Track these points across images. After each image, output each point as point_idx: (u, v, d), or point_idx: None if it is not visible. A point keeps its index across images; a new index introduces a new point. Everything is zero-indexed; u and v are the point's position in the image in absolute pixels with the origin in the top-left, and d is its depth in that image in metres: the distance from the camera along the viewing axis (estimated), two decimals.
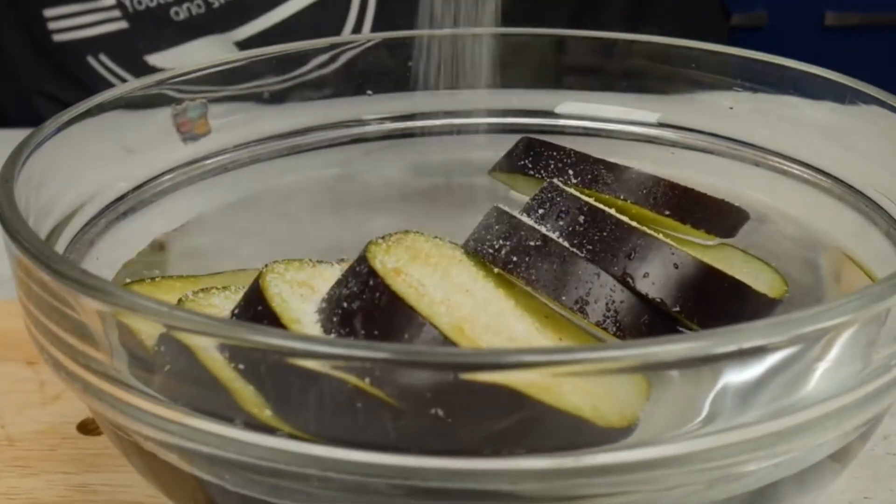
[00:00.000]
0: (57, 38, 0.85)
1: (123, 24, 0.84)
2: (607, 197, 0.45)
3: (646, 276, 0.40)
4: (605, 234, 0.41)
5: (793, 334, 0.30)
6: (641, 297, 0.40)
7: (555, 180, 0.45)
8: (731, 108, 0.50)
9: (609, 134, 0.52)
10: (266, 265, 0.39)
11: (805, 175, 0.48)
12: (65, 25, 0.85)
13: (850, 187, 0.46)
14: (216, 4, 0.83)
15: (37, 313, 0.35)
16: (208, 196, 0.49)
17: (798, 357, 0.31)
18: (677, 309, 0.40)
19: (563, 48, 0.53)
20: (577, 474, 0.30)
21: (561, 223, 0.42)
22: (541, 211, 0.43)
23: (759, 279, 0.44)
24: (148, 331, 0.31)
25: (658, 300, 0.40)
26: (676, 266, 0.40)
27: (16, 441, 0.45)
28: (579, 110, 0.53)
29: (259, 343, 0.29)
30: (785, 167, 0.49)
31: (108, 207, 0.45)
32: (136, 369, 0.32)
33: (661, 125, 0.52)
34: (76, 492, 0.43)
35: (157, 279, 0.43)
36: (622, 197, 0.45)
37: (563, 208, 0.42)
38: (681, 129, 0.51)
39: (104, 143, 0.45)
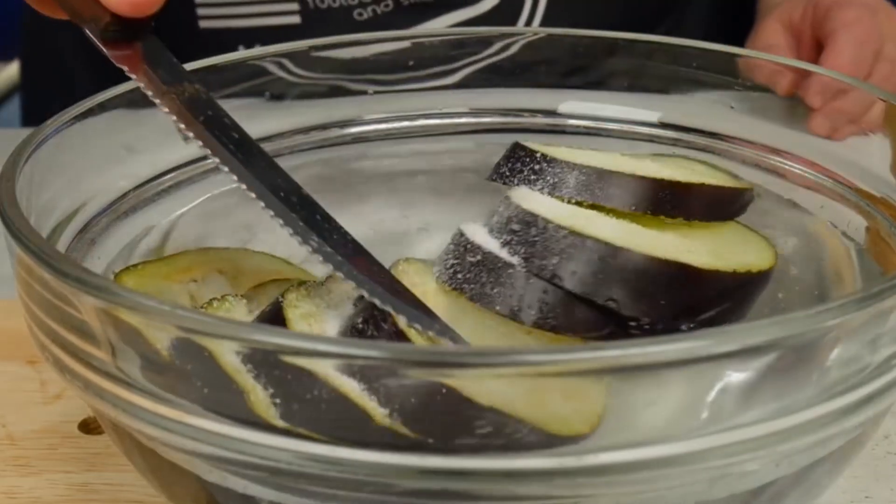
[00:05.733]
0: (203, 24, 0.79)
1: (296, 19, 0.79)
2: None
3: (573, 273, 0.40)
4: (536, 238, 0.41)
5: (793, 334, 0.30)
6: (575, 296, 0.40)
7: (523, 188, 0.44)
8: (731, 108, 0.50)
9: (610, 133, 0.52)
10: (282, 296, 0.40)
11: (806, 174, 0.48)
12: (224, 13, 0.79)
13: (852, 187, 0.46)
14: (406, 2, 0.78)
15: (38, 312, 0.35)
16: (209, 195, 0.49)
17: (799, 356, 0.31)
18: (609, 302, 0.39)
19: (566, 48, 0.53)
20: (577, 474, 0.30)
21: (504, 233, 0.42)
22: (493, 222, 0.43)
23: (746, 251, 0.43)
24: (150, 330, 0.31)
25: (586, 296, 0.39)
26: (602, 259, 0.40)
27: (17, 440, 0.45)
28: (581, 109, 0.53)
29: (265, 343, 0.30)
30: (786, 167, 0.49)
31: (109, 206, 0.45)
32: (136, 368, 0.32)
33: (662, 124, 0.52)
34: (77, 491, 0.43)
35: (140, 265, 0.43)
36: (599, 202, 0.44)
37: (505, 218, 0.42)
38: (681, 128, 0.51)
39: (105, 142, 0.45)
